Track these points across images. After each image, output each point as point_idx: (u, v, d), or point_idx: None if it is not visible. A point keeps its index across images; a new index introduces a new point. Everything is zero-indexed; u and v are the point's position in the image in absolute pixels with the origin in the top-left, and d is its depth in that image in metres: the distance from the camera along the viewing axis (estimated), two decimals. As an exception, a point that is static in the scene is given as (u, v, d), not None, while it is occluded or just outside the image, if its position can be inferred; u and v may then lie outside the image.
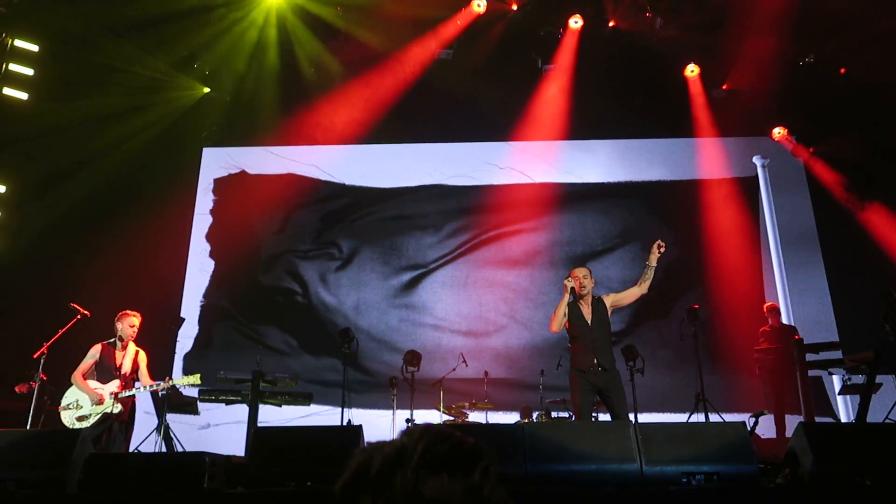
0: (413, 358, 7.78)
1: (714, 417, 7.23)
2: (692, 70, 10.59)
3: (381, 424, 8.22)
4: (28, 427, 6.39)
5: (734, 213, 10.47)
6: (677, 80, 10.62)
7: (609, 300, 5.76)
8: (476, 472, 1.03)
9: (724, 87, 10.72)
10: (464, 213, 10.63)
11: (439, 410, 7.81)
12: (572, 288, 5.62)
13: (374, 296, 10.27)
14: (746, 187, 10.65)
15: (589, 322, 5.66)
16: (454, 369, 8.31)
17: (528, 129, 10.62)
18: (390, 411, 7.85)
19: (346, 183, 10.86)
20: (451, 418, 7.74)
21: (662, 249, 5.60)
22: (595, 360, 5.53)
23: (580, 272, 5.74)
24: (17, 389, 6.69)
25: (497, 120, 10.67)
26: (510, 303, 10.09)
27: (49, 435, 5.58)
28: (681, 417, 7.81)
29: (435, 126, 10.77)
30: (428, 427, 1.09)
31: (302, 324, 10.16)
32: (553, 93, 10.55)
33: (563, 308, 5.63)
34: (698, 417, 7.26)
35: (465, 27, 9.87)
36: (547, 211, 10.58)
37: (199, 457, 5.00)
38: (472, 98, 10.49)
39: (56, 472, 4.83)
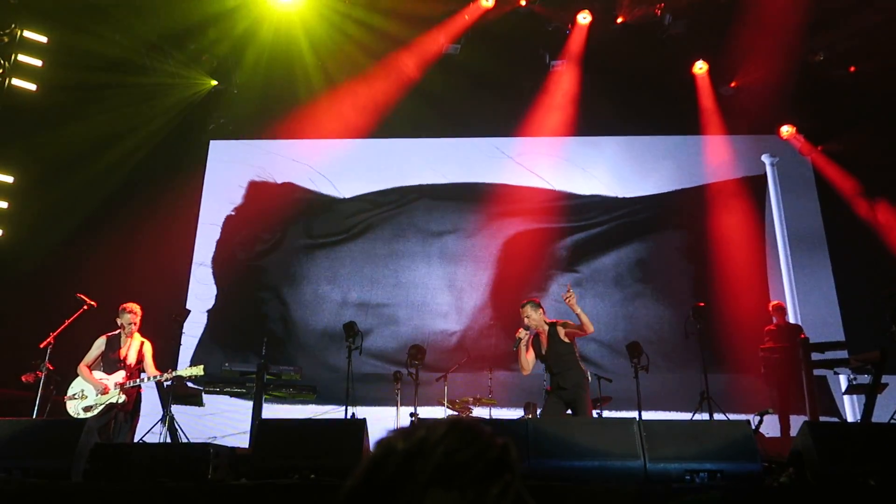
0: (418, 352, 7.79)
1: (718, 417, 7.22)
2: (700, 67, 10.55)
3: (385, 418, 8.24)
4: (34, 416, 6.43)
5: (741, 211, 10.44)
6: (686, 77, 10.58)
7: (562, 329, 6.04)
8: (493, 489, 0.90)
9: (732, 84, 10.68)
10: (468, 210, 10.62)
11: (444, 405, 7.82)
12: (525, 329, 6.04)
13: (376, 292, 10.28)
14: (754, 186, 10.61)
15: (544, 352, 6.08)
16: (458, 365, 8.32)
17: (535, 125, 10.61)
18: (394, 407, 7.86)
19: (348, 181, 10.86)
20: (455, 413, 7.76)
21: (570, 298, 5.85)
22: (557, 384, 5.93)
23: (522, 313, 6.17)
24: (23, 379, 6.72)
25: (504, 115, 10.66)
26: (513, 300, 10.07)
27: (55, 424, 5.61)
28: (685, 416, 7.80)
29: (441, 121, 10.77)
30: (455, 424, 0.95)
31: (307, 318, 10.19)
32: (560, 88, 10.52)
33: (521, 355, 6.02)
34: (703, 416, 7.25)
35: (473, 22, 9.85)
36: (553, 209, 10.57)
37: (204, 448, 5.02)
38: (479, 93, 10.49)
39: (62, 461, 4.86)
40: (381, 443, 0.96)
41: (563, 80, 10.51)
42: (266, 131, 10.91)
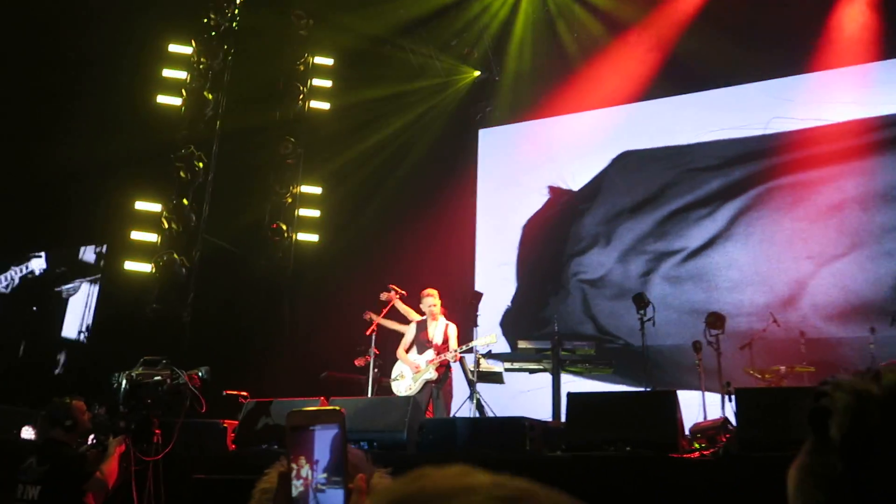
0: (717, 320, 7.30)
1: None
2: None
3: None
4: (369, 395, 7.33)
5: None
6: None
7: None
8: None
9: None
10: (754, 164, 9.67)
11: (751, 374, 7.27)
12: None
13: (658, 263, 9.86)
14: None
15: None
16: (764, 329, 7.66)
17: (827, 56, 9.26)
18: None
19: (624, 148, 10.52)
20: (767, 384, 7.15)
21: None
22: None
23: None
24: (356, 363, 7.74)
25: (788, 51, 9.45)
26: (815, 256, 8.98)
27: (390, 401, 6.36)
28: None
29: (715, 70, 9.85)
30: None
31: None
32: (855, 5, 9.08)
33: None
34: None
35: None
36: (856, 151, 9.17)
37: (519, 421, 5.27)
38: (755, 30, 9.47)
39: (397, 434, 5.45)
40: (847, 390, 0.88)
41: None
42: (530, 112, 11.05)
